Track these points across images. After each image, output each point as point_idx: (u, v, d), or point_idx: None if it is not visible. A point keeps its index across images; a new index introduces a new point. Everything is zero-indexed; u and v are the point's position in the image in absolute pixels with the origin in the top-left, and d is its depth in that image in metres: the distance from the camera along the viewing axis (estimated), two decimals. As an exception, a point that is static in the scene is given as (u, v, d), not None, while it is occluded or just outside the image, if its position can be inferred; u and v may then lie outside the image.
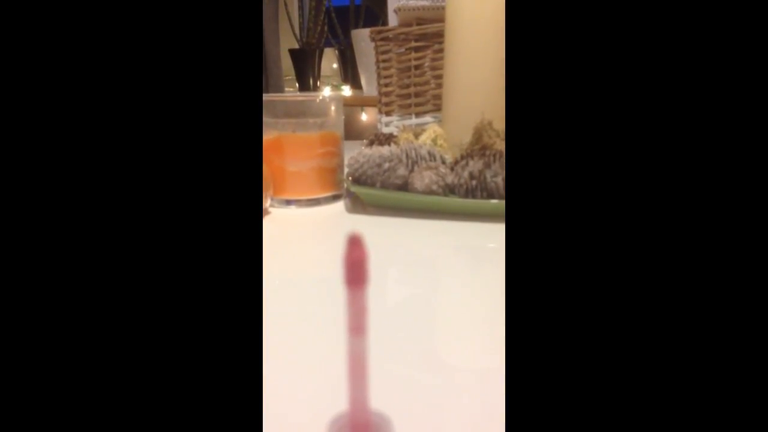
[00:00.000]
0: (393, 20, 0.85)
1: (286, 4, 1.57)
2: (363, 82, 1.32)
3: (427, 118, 0.80)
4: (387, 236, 0.45)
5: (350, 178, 0.52)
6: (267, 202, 0.51)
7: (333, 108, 0.55)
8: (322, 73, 1.59)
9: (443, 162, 0.50)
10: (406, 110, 0.81)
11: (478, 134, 0.53)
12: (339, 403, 0.18)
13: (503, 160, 0.48)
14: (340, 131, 0.56)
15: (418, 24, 0.77)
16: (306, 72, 1.54)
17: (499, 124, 0.54)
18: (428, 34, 0.76)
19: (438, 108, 0.77)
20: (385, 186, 0.50)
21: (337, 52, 1.63)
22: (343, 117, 0.57)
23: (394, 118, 0.82)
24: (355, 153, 0.52)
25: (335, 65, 1.71)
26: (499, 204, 0.46)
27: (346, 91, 1.55)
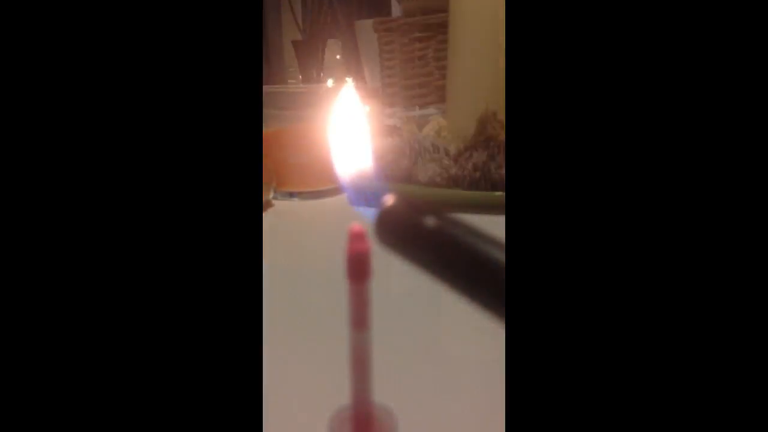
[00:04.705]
0: (396, 11, 0.84)
1: (288, -5, 1.56)
2: (366, 73, 1.31)
3: (431, 110, 0.79)
4: (390, 228, 0.45)
5: (353, 170, 0.51)
6: (270, 195, 0.51)
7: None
8: (325, 65, 1.58)
9: (447, 154, 0.50)
10: (409, 102, 0.81)
11: (482, 126, 0.52)
12: (341, 396, 0.18)
13: (507, 151, 0.48)
14: (343, 123, 0.55)
15: (422, 14, 0.76)
16: (309, 63, 1.53)
17: (504, 115, 0.53)
18: (432, 25, 0.75)
19: (441, 99, 0.77)
20: (388, 178, 0.49)
21: (340, 43, 1.61)
22: (347, 108, 0.56)
23: (397, 109, 0.82)
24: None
25: (339, 56, 1.70)
26: (503, 196, 0.46)
27: (350, 82, 1.54)
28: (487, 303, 0.13)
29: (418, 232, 0.13)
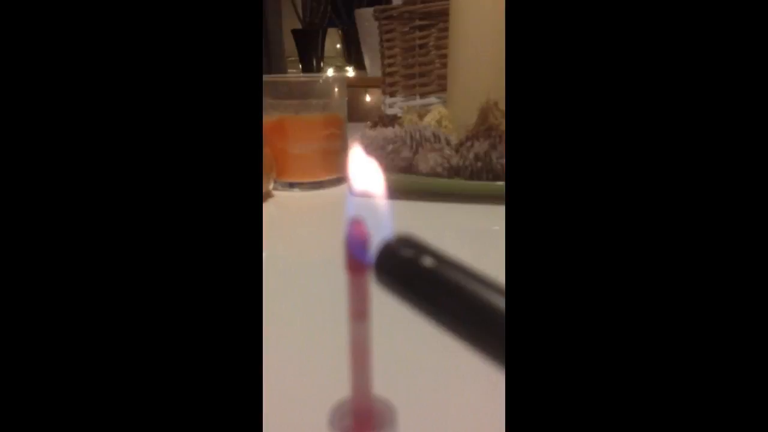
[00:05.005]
0: (397, -1, 0.84)
1: (288, -17, 1.54)
2: (366, 62, 1.30)
3: (432, 99, 0.79)
4: (391, 219, 0.45)
5: (354, 160, 0.51)
6: (270, 185, 0.50)
7: (336, 89, 0.54)
8: (325, 54, 1.57)
9: (448, 143, 0.50)
10: (410, 91, 0.80)
11: (484, 115, 0.52)
12: (341, 389, 0.18)
13: (508, 141, 0.48)
14: (343, 113, 0.55)
15: (422, 2, 0.75)
16: (309, 53, 1.52)
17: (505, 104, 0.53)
18: (433, 13, 0.75)
19: (443, 88, 0.76)
20: (389, 168, 0.49)
21: (340, 32, 1.60)
22: (347, 98, 0.56)
23: (398, 99, 0.81)
24: (358, 135, 0.51)
25: (339, 46, 1.69)
26: (504, 186, 0.46)
27: (350, 72, 1.53)
28: (488, 345, 0.13)
29: (416, 275, 0.13)
